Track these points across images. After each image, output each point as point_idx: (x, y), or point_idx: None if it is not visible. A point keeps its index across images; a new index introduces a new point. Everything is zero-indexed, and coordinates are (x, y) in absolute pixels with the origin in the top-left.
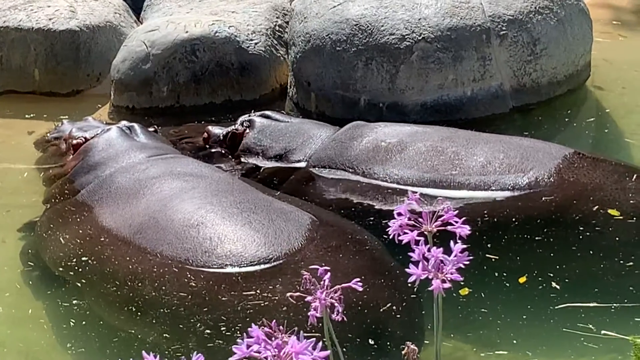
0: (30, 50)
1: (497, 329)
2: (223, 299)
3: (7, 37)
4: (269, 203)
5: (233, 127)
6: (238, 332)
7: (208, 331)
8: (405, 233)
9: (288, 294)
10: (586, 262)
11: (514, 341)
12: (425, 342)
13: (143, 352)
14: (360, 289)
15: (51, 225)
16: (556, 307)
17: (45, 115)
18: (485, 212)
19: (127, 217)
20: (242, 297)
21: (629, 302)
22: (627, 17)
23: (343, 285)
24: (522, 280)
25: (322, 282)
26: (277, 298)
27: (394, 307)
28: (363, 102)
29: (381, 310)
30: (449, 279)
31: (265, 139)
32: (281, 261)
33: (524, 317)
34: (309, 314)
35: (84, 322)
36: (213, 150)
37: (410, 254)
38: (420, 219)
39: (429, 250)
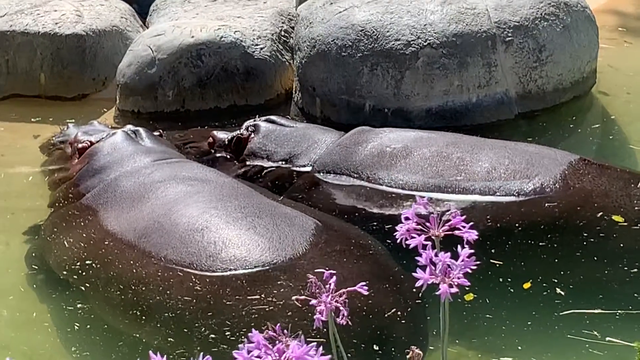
0: (36, 54)
1: (502, 334)
2: (227, 303)
3: (13, 41)
4: (274, 208)
5: (238, 131)
6: (242, 337)
7: (212, 335)
8: (412, 237)
9: (294, 297)
10: (591, 268)
11: (519, 347)
12: (430, 347)
13: (150, 352)
14: (366, 293)
15: (56, 229)
16: (561, 314)
17: (50, 119)
18: (491, 217)
19: (131, 221)
20: (246, 301)
21: (634, 309)
22: (633, 24)
23: (348, 289)
24: (526, 286)
25: (327, 286)
26: (281, 302)
27: (399, 312)
28: (368, 108)
29: (386, 315)
30: (455, 283)
31: (270, 143)
32: (285, 266)
33: (529, 323)
34: (314, 317)
35: (88, 326)
36: (218, 154)
37: (417, 258)
38: (427, 224)
39: (436, 254)
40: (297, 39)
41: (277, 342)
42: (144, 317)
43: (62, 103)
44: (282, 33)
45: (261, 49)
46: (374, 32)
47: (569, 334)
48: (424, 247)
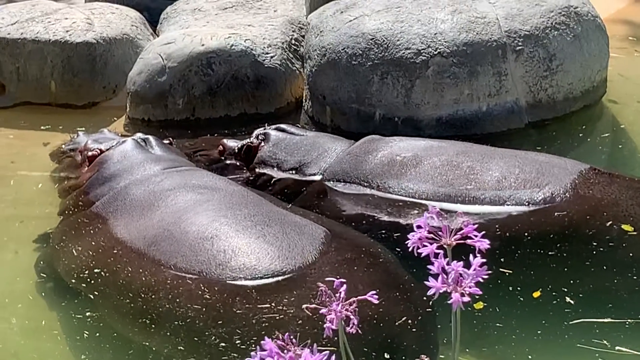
0: (47, 62)
1: (512, 343)
2: (237, 311)
3: (24, 48)
4: (283, 216)
5: (248, 140)
6: (252, 345)
7: (222, 344)
8: (424, 246)
9: (304, 306)
10: (600, 277)
11: (529, 356)
12: (440, 356)
13: None
14: (376, 302)
15: (65, 237)
16: (570, 322)
17: (60, 127)
18: (501, 226)
19: (141, 229)
20: (256, 309)
21: None
22: None
23: (359, 297)
24: (536, 294)
25: (337, 294)
26: (291, 311)
27: (409, 321)
28: (378, 116)
29: (396, 324)
30: (467, 292)
31: (280, 152)
32: (295, 274)
33: (538, 332)
34: (325, 326)
35: (97, 334)
36: (228, 163)
37: (429, 266)
38: (439, 232)
39: (447, 263)
40: (307, 48)
41: (287, 351)
42: (153, 326)
43: (72, 111)
44: (293, 41)
45: (271, 57)
46: (384, 40)
47: (578, 343)
48: (436, 255)
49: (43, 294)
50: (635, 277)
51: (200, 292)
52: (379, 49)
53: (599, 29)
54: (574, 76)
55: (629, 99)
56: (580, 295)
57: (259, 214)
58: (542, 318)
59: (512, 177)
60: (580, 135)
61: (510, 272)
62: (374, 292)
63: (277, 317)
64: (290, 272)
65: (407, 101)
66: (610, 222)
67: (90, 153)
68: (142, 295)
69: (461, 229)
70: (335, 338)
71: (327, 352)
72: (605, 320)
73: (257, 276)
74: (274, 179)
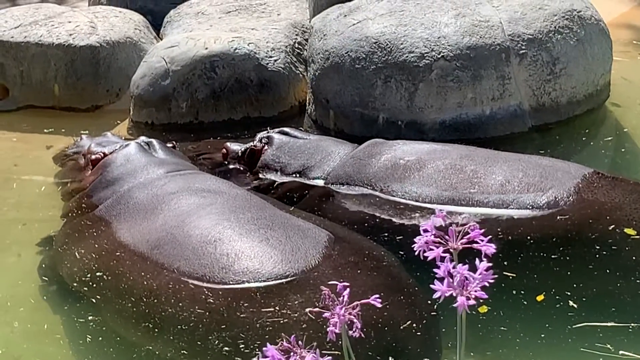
0: (50, 65)
1: (516, 347)
2: (240, 315)
3: (27, 52)
4: (286, 220)
5: (251, 143)
6: (256, 349)
7: (226, 348)
8: (430, 250)
9: (307, 310)
10: (604, 281)
11: None
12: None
13: None
14: (379, 306)
15: (68, 240)
16: (574, 326)
17: (64, 130)
18: (504, 230)
19: (144, 232)
20: (259, 313)
21: None
22: None
23: (362, 301)
24: (540, 298)
25: (341, 298)
26: (294, 315)
27: (413, 325)
28: (382, 120)
29: (400, 327)
30: (473, 296)
31: (283, 155)
32: (298, 278)
33: (542, 335)
34: (328, 329)
35: (100, 338)
36: (231, 166)
37: (436, 270)
38: (445, 236)
39: (454, 267)
40: (310, 51)
41: (291, 354)
42: (156, 330)
43: (75, 114)
44: (296, 45)
45: (275, 61)
46: (387, 44)
47: (582, 346)
48: (442, 259)
49: (46, 297)
50: (638, 281)
51: (203, 296)
52: (382, 53)
53: (602, 33)
54: (578, 80)
55: (633, 102)
56: (584, 299)
57: (262, 218)
58: (545, 322)
59: (516, 180)
60: (584, 139)
61: (514, 275)
62: (377, 295)
63: (281, 321)
64: (294, 276)
65: (410, 105)
66: (614, 226)
67: (93, 156)
68: (145, 299)
69: (467, 232)
70: (339, 342)
71: (329, 357)
72: (609, 324)
73: (260, 279)
74: (277, 183)
